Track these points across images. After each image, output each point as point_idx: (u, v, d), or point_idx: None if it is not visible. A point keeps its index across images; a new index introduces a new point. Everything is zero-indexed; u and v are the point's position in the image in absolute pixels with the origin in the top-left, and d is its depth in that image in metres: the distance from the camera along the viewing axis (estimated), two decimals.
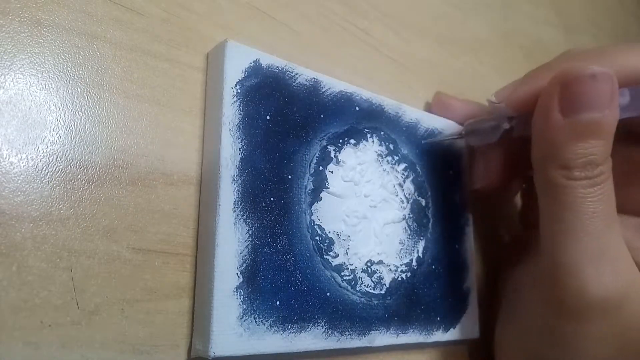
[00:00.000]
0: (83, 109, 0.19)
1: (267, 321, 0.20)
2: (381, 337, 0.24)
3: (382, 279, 0.25)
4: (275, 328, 0.20)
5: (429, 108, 0.32)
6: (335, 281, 0.23)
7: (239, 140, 0.21)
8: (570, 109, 0.21)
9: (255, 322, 0.20)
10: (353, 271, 0.24)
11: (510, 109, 0.24)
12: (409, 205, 0.27)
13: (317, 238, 0.23)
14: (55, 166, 0.18)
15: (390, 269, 0.26)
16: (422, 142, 0.28)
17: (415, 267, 0.27)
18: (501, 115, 0.25)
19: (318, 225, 0.23)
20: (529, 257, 0.27)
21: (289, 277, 0.21)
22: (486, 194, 0.29)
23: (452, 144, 0.30)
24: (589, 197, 0.21)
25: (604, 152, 0.21)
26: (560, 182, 0.21)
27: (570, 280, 0.21)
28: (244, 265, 0.20)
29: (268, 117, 0.22)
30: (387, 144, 0.27)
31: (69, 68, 0.19)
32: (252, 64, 0.22)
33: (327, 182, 0.24)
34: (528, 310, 0.24)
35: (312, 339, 0.22)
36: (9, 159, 0.17)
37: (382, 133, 0.27)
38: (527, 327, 0.24)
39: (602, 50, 0.24)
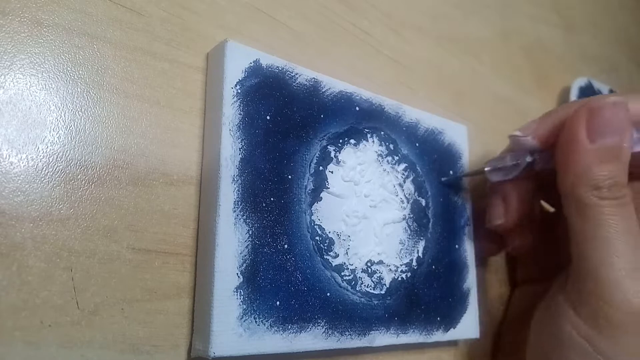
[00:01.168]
0: (83, 109, 0.19)
1: (267, 321, 0.20)
2: (381, 337, 0.24)
3: (382, 279, 0.25)
4: (275, 328, 0.20)
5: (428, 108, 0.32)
6: (335, 281, 0.23)
7: (239, 140, 0.21)
8: (596, 134, 0.23)
9: (255, 322, 0.20)
10: (353, 271, 0.24)
11: (537, 141, 0.26)
12: (409, 205, 0.27)
13: (317, 238, 0.23)
14: (55, 166, 0.18)
15: (390, 269, 0.26)
16: (442, 179, 0.29)
17: (415, 267, 0.27)
18: (524, 149, 0.27)
19: (318, 225, 0.23)
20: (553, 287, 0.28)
21: (289, 277, 0.21)
22: (505, 231, 0.30)
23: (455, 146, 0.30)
24: (619, 215, 0.23)
25: (624, 175, 0.23)
26: (593, 201, 0.23)
27: (616, 293, 0.22)
28: (244, 265, 0.20)
29: (268, 117, 0.22)
30: (387, 144, 0.27)
31: (69, 68, 0.19)
32: (252, 64, 0.22)
33: (327, 182, 0.24)
34: (558, 328, 0.25)
35: (312, 339, 0.22)
36: (9, 159, 0.17)
37: (382, 133, 0.27)
38: (557, 345, 0.25)
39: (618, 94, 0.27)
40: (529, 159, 0.26)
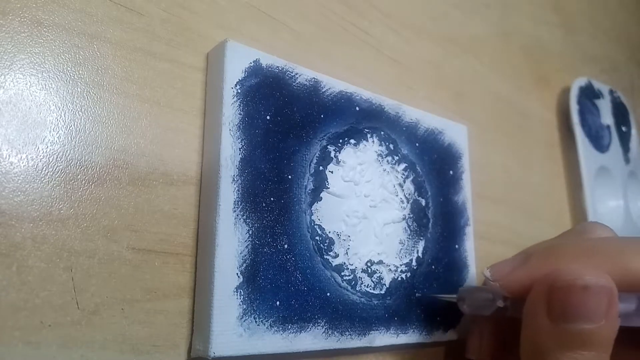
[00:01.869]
0: (83, 109, 0.19)
1: (267, 321, 0.20)
2: (381, 337, 0.24)
3: (382, 279, 0.25)
4: (276, 328, 0.20)
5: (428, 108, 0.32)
6: (336, 281, 0.23)
7: (239, 140, 0.21)
8: (558, 316, 0.19)
9: (255, 322, 0.20)
10: (353, 271, 0.24)
11: (505, 290, 0.22)
12: (409, 205, 0.27)
13: (317, 238, 0.23)
14: (55, 166, 0.18)
15: (390, 269, 0.26)
16: (416, 294, 0.27)
17: (415, 267, 0.27)
18: (496, 292, 0.23)
19: (318, 225, 0.23)
20: None
21: (289, 277, 0.21)
22: None
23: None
24: None
25: None
26: None
27: None
28: (244, 265, 0.20)
29: (268, 117, 0.22)
30: (387, 144, 0.27)
31: (69, 68, 0.19)
32: (252, 64, 0.22)
33: (327, 182, 0.24)
34: None
35: (312, 339, 0.22)
36: (9, 159, 0.17)
37: (382, 133, 0.27)
38: None
39: (597, 248, 0.21)
40: (500, 304, 0.23)
